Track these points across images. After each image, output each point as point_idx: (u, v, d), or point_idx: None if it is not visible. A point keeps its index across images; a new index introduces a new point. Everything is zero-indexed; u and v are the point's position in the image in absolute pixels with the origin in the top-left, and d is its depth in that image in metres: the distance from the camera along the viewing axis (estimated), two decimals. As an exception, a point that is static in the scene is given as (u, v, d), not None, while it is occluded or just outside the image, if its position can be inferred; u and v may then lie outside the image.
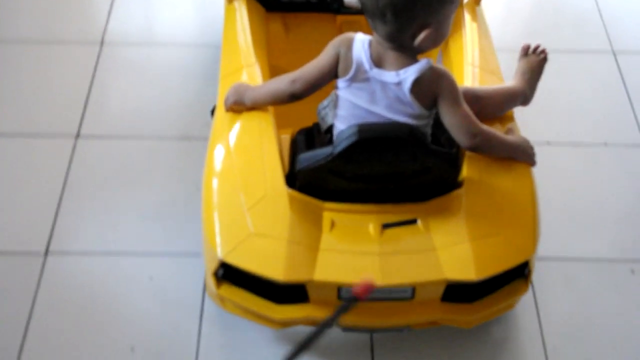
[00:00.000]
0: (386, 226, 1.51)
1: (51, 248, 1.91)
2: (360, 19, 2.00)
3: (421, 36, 1.44)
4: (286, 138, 1.72)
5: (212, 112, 1.77)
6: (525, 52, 1.74)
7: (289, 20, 2.04)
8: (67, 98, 2.25)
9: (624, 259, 1.93)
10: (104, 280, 1.86)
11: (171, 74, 2.34)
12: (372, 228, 1.50)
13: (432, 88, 1.49)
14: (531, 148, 1.62)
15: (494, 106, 1.65)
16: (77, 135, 2.16)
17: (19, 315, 1.79)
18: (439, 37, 1.47)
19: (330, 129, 1.67)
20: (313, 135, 1.72)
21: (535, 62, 1.73)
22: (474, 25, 1.91)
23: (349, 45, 1.54)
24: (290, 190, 1.52)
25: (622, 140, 2.21)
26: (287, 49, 2.04)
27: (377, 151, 1.46)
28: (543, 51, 1.74)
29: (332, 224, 1.51)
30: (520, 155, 1.59)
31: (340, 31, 2.07)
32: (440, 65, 1.51)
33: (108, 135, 2.17)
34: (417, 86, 1.48)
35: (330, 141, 1.65)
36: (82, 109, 2.23)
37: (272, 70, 1.95)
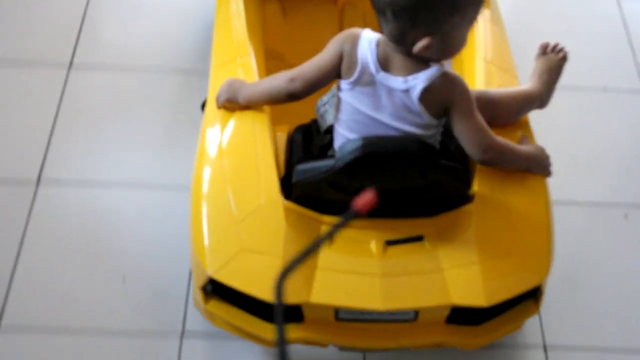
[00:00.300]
0: (390, 243, 1.39)
1: (43, 177, 1.91)
2: (364, 0, 1.86)
3: (420, 44, 1.30)
4: (282, 136, 1.60)
5: (203, 106, 1.63)
6: (544, 50, 1.60)
7: (286, 2, 1.89)
8: (61, 27, 2.20)
9: (618, 204, 1.94)
10: (95, 211, 1.86)
11: (168, 5, 2.26)
12: (374, 245, 1.39)
13: (444, 97, 1.36)
14: (547, 158, 1.50)
15: (509, 112, 1.53)
16: (70, 65, 2.13)
17: (9, 244, 1.78)
18: (446, 50, 1.33)
19: (330, 129, 1.54)
20: (311, 133, 1.59)
21: (554, 61, 1.59)
22: (487, 13, 1.77)
23: (354, 42, 1.40)
24: (286, 202, 1.40)
25: (622, 85, 2.18)
26: (284, 32, 1.90)
27: (382, 167, 1.33)
28: (562, 50, 1.60)
29: (331, 239, 1.39)
30: (534, 167, 1.47)
31: (342, 13, 1.93)
32: (453, 72, 1.38)
33: (102, 66, 2.14)
34: (427, 94, 1.35)
35: (330, 143, 1.53)
36: (75, 38, 2.19)
37: (268, 54, 1.81)
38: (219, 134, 1.49)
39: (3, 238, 1.79)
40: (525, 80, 1.64)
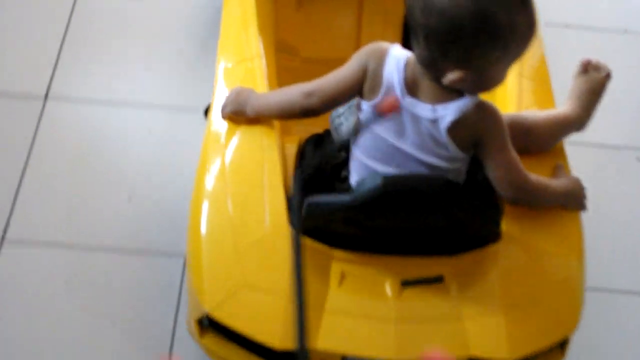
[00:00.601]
0: (406, 284, 1.26)
1: (51, 93, 1.91)
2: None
3: (450, 76, 1.16)
4: (292, 147, 1.46)
5: (206, 112, 1.48)
6: (585, 68, 1.43)
7: None
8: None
9: (631, 147, 1.94)
10: (102, 129, 1.87)
11: None
12: (389, 286, 1.26)
13: (475, 131, 1.22)
14: (582, 190, 1.36)
15: (544, 139, 1.38)
16: None
17: (16, 158, 1.80)
18: (480, 85, 1.18)
19: (345, 145, 1.40)
20: (324, 146, 1.45)
21: (596, 81, 1.42)
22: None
23: (381, 60, 1.25)
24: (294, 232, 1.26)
25: (643, 28, 2.18)
26: (298, 22, 1.74)
27: (404, 206, 1.20)
28: (604, 68, 1.44)
29: (342, 277, 1.26)
30: (569, 203, 1.34)
31: (361, 4, 1.76)
32: (488, 103, 1.23)
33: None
34: (457, 127, 1.21)
35: (344, 162, 1.39)
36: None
37: (279, 46, 1.66)
38: (223, 149, 1.35)
39: (10, 152, 1.81)
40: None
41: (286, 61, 1.70)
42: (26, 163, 1.78)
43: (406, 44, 1.66)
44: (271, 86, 1.48)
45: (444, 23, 1.13)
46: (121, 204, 1.74)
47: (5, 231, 1.69)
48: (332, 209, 1.21)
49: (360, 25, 1.74)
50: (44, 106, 1.87)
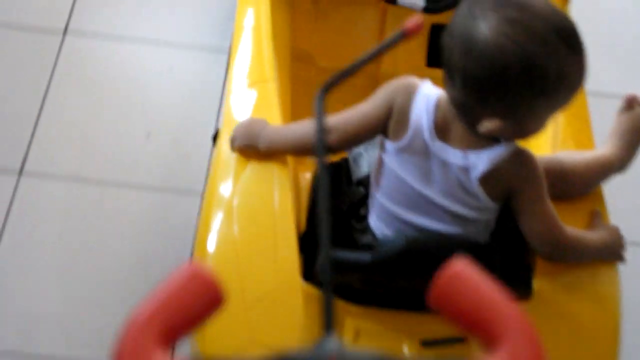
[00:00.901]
0: (426, 344, 1.17)
1: (70, 27, 1.90)
2: (413, 13, 1.56)
3: (487, 125, 1.05)
4: (306, 177, 1.35)
5: (214, 138, 1.37)
6: (630, 104, 1.31)
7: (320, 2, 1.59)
8: None
9: None
10: (122, 66, 1.87)
11: None
12: (406, 346, 1.16)
13: (510, 181, 1.12)
14: (620, 239, 1.25)
15: (582, 184, 1.26)
16: None
17: (35, 92, 1.79)
18: (518, 134, 1.09)
19: (363, 180, 1.30)
20: (341, 176, 1.35)
21: None
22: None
23: (409, 97, 1.13)
24: (306, 285, 1.16)
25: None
26: (316, 29, 1.61)
27: (428, 268, 1.09)
28: None
29: (357, 335, 1.17)
30: (606, 256, 1.23)
31: (384, 14, 1.62)
32: (526, 151, 1.12)
33: None
34: (490, 177, 1.10)
35: (363, 199, 1.28)
36: None
37: (294, 54, 1.54)
38: (231, 187, 1.24)
39: (28, 86, 1.81)
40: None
41: (301, 71, 1.58)
42: (45, 97, 1.78)
43: (431, 59, 1.55)
44: (285, 107, 1.37)
45: (485, 68, 1.02)
46: (139, 141, 1.75)
47: (23, 163, 1.71)
48: (351, 269, 1.11)
49: (382, 37, 1.61)
50: (62, 40, 1.86)
